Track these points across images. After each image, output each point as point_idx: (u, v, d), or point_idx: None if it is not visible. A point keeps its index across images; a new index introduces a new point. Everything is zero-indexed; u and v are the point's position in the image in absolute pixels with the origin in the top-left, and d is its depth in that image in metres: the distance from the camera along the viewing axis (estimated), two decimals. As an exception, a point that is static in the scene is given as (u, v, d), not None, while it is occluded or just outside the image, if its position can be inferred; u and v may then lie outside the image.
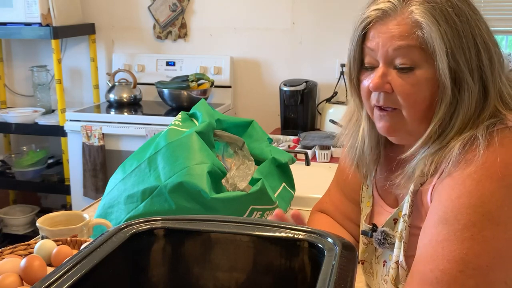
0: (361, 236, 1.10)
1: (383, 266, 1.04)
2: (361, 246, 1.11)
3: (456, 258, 0.83)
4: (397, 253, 0.97)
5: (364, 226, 1.08)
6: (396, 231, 1.00)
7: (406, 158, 0.96)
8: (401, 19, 0.90)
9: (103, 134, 2.84)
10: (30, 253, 1.08)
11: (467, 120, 0.90)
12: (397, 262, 0.97)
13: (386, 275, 1.02)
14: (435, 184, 0.91)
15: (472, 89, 0.89)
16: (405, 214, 0.97)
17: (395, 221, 1.01)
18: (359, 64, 0.97)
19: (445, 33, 0.87)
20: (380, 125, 0.97)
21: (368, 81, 0.96)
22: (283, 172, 1.42)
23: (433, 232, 0.87)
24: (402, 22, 0.90)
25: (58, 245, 1.06)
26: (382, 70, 0.93)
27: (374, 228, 1.05)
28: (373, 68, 0.95)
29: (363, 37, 0.95)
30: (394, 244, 0.99)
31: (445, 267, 0.84)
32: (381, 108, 0.95)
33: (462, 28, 0.89)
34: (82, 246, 1.02)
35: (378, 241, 1.02)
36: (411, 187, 0.95)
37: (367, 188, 1.12)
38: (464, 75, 0.88)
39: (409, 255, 0.95)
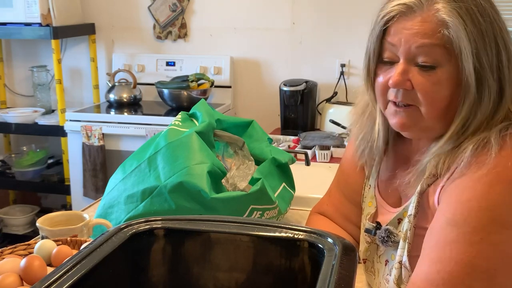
0: (364, 234, 1.10)
1: (385, 265, 1.04)
2: (364, 245, 1.10)
3: (464, 260, 0.83)
4: (401, 253, 0.97)
5: (367, 224, 1.08)
6: (400, 231, 1.00)
7: (414, 156, 0.96)
8: (427, 16, 0.89)
9: (103, 134, 2.84)
10: (30, 253, 1.08)
11: (484, 120, 0.90)
12: (400, 262, 0.97)
13: (388, 274, 1.02)
14: (443, 185, 0.91)
15: (492, 89, 0.89)
16: (410, 215, 0.96)
17: (399, 221, 1.01)
18: (377, 58, 0.96)
19: (471, 33, 0.87)
20: (394, 120, 0.96)
21: (384, 77, 0.95)
22: (283, 172, 1.42)
23: (440, 234, 0.87)
24: (427, 19, 0.88)
25: (58, 245, 1.06)
26: (403, 66, 0.91)
27: (378, 226, 1.04)
28: (392, 63, 0.94)
29: (384, 31, 0.94)
30: (397, 242, 0.99)
31: (452, 269, 0.83)
32: (396, 104, 0.94)
33: (486, 28, 0.88)
34: (82, 246, 1.01)
35: (382, 238, 1.01)
36: (418, 188, 0.95)
37: (369, 188, 1.12)
38: (486, 75, 0.88)
39: (413, 255, 0.95)
